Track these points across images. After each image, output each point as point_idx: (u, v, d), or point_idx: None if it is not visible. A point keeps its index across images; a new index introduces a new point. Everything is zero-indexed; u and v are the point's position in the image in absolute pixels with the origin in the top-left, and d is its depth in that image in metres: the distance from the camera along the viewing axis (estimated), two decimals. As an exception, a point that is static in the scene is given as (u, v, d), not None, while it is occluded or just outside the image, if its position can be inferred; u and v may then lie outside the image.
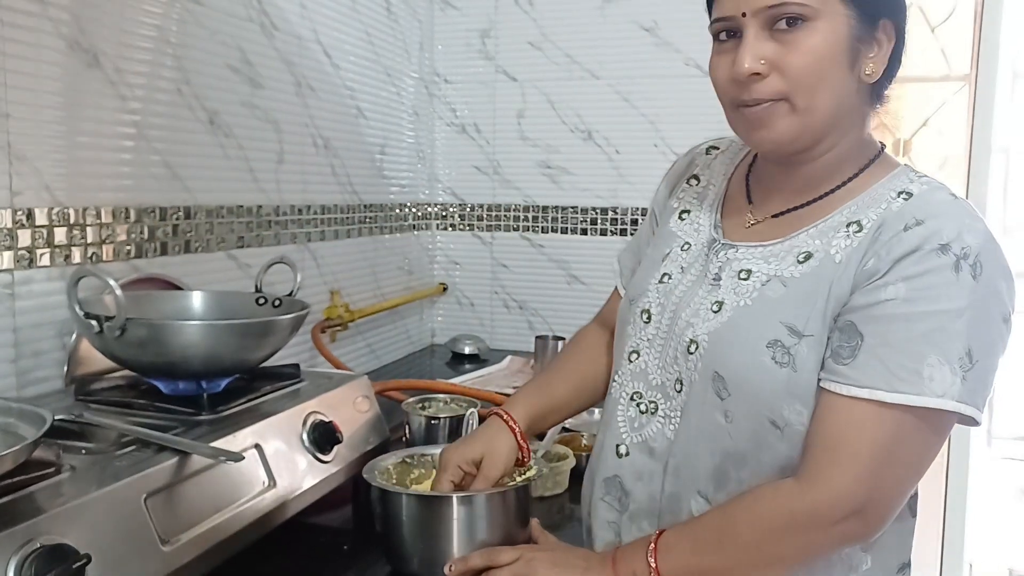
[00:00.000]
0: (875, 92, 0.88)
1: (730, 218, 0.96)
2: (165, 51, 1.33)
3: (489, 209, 2.32)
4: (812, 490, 0.78)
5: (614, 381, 0.98)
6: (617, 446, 0.95)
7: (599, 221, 2.21)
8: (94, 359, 1.13)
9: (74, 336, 1.15)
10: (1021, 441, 2.69)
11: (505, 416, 1.02)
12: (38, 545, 0.66)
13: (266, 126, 1.59)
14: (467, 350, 2.19)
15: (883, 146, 0.91)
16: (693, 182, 1.02)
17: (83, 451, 0.85)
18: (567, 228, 2.24)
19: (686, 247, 0.96)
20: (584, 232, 2.23)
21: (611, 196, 2.19)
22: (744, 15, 0.82)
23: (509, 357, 2.11)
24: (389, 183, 2.11)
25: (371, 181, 2.01)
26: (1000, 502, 2.65)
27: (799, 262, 0.85)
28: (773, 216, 0.91)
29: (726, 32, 0.85)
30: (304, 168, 1.73)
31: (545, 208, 2.26)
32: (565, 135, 2.21)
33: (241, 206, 1.53)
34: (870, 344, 0.77)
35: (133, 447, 0.86)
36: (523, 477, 1.01)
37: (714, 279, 0.90)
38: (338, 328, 1.83)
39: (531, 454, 1.03)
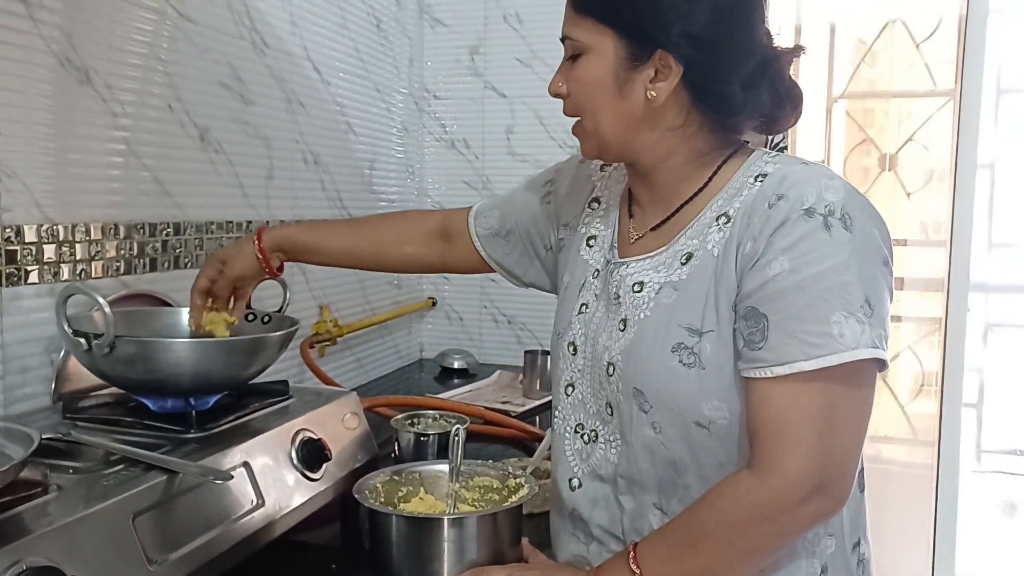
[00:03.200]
0: (704, 108, 0.89)
1: (621, 236, 0.99)
2: (156, 68, 1.33)
3: (479, 224, 2.32)
4: (768, 478, 0.79)
5: (556, 417, 1.00)
6: (570, 480, 0.97)
7: (589, 236, 2.22)
8: (82, 376, 1.12)
9: (62, 353, 1.14)
10: (1010, 455, 2.71)
11: (256, 233, 1.14)
12: (24, 567, 0.66)
13: (256, 142, 1.59)
14: (456, 365, 2.19)
15: (745, 142, 0.93)
16: (595, 205, 1.05)
17: (70, 470, 0.84)
18: (557, 243, 2.25)
19: (596, 274, 0.99)
20: (574, 247, 2.23)
21: (600, 211, 2.19)
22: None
23: (498, 372, 2.11)
24: (378, 198, 2.11)
25: (360, 196, 2.02)
26: (990, 515, 2.67)
27: (682, 264, 0.88)
28: (651, 229, 0.94)
29: None
30: (294, 183, 1.73)
31: (535, 223, 2.26)
32: (554, 151, 2.22)
33: (231, 221, 1.53)
34: (775, 321, 0.79)
35: (121, 466, 0.86)
36: (517, 497, 1.01)
37: (615, 298, 0.93)
38: (327, 343, 1.83)
39: (274, 269, 1.15)
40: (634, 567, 0.83)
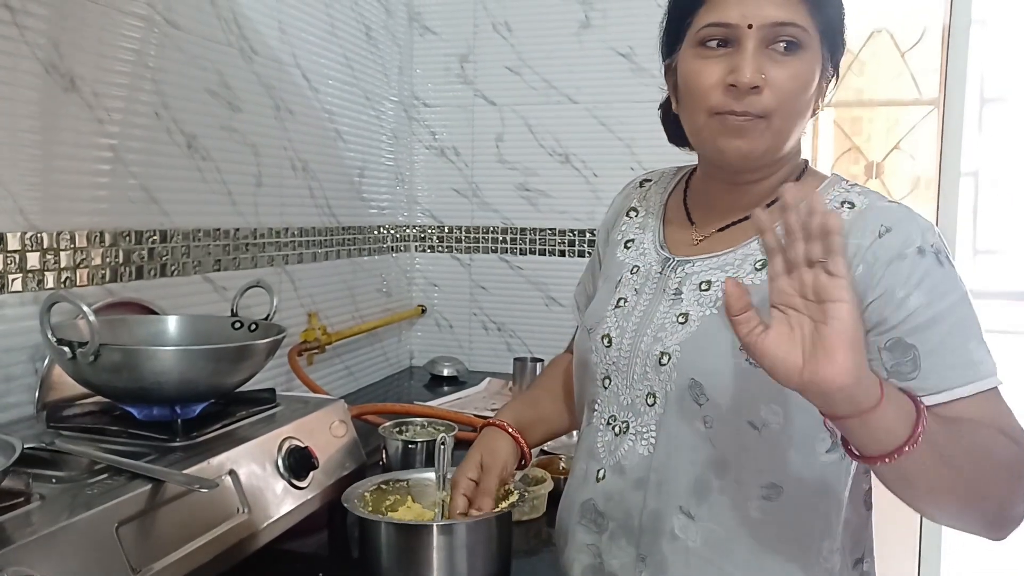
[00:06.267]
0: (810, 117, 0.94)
1: (674, 238, 1.00)
2: (143, 75, 1.33)
3: (468, 231, 2.32)
4: None
5: (595, 410, 0.98)
6: (598, 471, 0.95)
7: (576, 243, 2.22)
8: (66, 385, 1.11)
9: (46, 362, 1.13)
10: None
11: (497, 422, 1.06)
12: (6, 577, 0.65)
13: (244, 149, 1.59)
14: (445, 372, 2.19)
15: (807, 161, 0.97)
16: (632, 214, 1.07)
17: (54, 480, 0.83)
18: (545, 250, 2.25)
19: (635, 270, 1.00)
20: (562, 254, 2.24)
21: (588, 218, 2.20)
22: (750, 27, 0.83)
23: (488, 379, 2.11)
24: (368, 205, 2.11)
25: (350, 203, 2.02)
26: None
27: (756, 269, 0.89)
28: (718, 231, 0.95)
29: (719, 40, 0.86)
30: (282, 191, 1.72)
31: (523, 230, 2.27)
32: (543, 158, 2.23)
33: (218, 229, 1.52)
34: (925, 352, 0.81)
35: (105, 475, 0.85)
36: (507, 503, 1.01)
37: (675, 294, 0.93)
38: (315, 351, 1.82)
39: (531, 452, 1.06)
40: (921, 410, 0.73)
